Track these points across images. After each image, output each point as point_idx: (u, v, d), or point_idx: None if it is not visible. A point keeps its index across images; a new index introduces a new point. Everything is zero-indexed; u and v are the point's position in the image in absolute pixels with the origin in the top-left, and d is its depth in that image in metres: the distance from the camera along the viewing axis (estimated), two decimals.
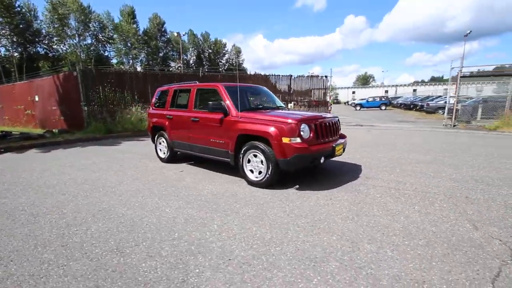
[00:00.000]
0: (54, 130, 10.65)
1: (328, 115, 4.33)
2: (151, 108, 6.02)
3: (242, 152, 3.94)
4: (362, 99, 34.87)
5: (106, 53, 46.81)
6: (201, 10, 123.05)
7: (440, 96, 25.75)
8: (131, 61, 48.51)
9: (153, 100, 5.92)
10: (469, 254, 2.12)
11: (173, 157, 5.46)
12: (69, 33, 38.36)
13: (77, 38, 40.31)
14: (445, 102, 21.42)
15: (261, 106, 4.68)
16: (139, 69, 44.36)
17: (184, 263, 2.08)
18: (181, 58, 45.77)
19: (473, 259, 2.06)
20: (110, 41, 44.60)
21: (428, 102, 22.55)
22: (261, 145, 3.69)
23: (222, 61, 67.26)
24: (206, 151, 4.55)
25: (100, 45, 45.23)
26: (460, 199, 3.25)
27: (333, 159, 4.52)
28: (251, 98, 4.94)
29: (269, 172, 3.65)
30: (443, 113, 20.95)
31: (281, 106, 4.96)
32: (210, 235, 2.52)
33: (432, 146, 6.88)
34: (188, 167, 5.14)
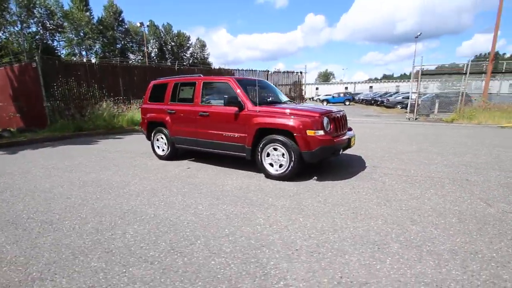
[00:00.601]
0: (11, 129, 9.35)
1: (335, 108, 4.51)
2: (144, 103, 5.64)
3: (260, 146, 3.93)
4: (328, 95, 36.61)
5: (55, 43, 42.02)
6: (161, 1, 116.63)
7: (397, 92, 28.20)
8: (84, 52, 44.26)
9: (147, 94, 5.55)
10: (497, 227, 2.44)
11: (174, 154, 5.22)
12: (9, 19, 33.51)
13: (19, 25, 35.41)
14: (403, 97, 23.53)
15: (270, 100, 4.69)
16: (93, 61, 40.70)
17: (254, 257, 2.06)
18: (146, 50, 43.07)
19: (503, 230, 2.38)
20: (59, 29, 40.03)
21: (388, 98, 24.56)
22: (283, 138, 3.73)
23: (186, 54, 64.90)
24: (217, 146, 4.44)
25: (47, 34, 40.36)
26: (462, 182, 3.68)
27: None
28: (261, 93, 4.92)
29: (292, 165, 3.72)
30: (401, 108, 23.10)
31: (288, 100, 5.03)
32: (262, 228, 2.51)
33: (410, 137, 7.57)
34: (193, 164, 4.96)
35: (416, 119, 14.05)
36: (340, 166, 4.59)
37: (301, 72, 16.26)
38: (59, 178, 4.26)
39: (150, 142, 5.56)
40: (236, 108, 4.12)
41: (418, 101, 15.20)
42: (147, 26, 38.66)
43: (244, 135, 4.08)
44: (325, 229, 2.48)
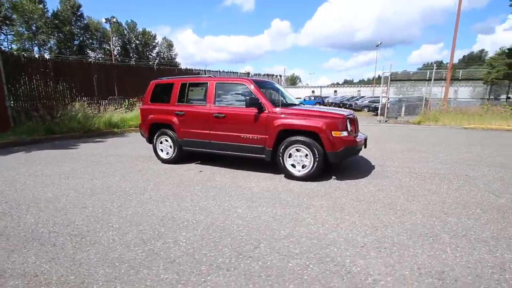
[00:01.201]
0: None
1: (348, 111, 4.71)
2: (144, 104, 5.31)
3: (282, 147, 3.96)
4: (298, 98, 37.83)
5: (1, 37, 37.35)
6: None
7: (363, 97, 30.17)
8: (37, 48, 40.03)
9: (148, 94, 5.23)
10: None
11: (180, 158, 4.99)
12: None
13: None
14: (369, 101, 25.22)
15: (284, 102, 4.73)
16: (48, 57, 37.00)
17: (327, 256, 2.08)
18: (112, 47, 40.24)
19: None
20: (7, 22, 35.67)
21: (355, 101, 26.19)
22: (307, 139, 3.80)
23: (152, 54, 62.23)
24: (234, 148, 4.35)
25: None
26: (465, 177, 4.09)
27: None
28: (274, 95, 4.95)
29: (316, 166, 3.80)
30: (368, 111, 24.77)
31: (301, 103, 5.11)
32: (316, 228, 2.54)
33: (393, 138, 8.18)
34: (202, 167, 4.79)
35: (386, 121, 15.16)
36: (348, 166, 4.80)
37: (280, 76, 16.63)
38: (57, 186, 3.82)
39: (151, 145, 5.25)
40: (256, 110, 4.10)
41: (387, 104, 16.46)
42: (110, 22, 36.15)
43: (264, 136, 4.07)
44: (376, 225, 2.58)
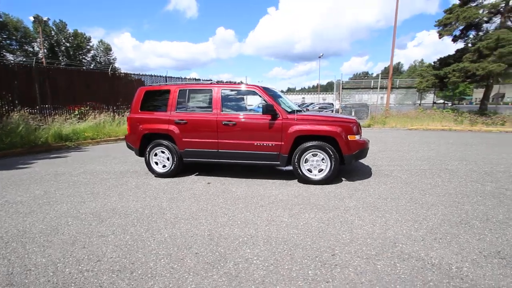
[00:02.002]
0: None
1: (351, 116, 5.01)
2: (132, 113, 4.74)
3: (298, 152, 4.00)
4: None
5: None
6: None
7: (312, 103, 32.29)
8: None
9: (137, 102, 4.70)
10: (507, 199, 3.34)
11: (179, 170, 4.59)
12: None
13: None
14: (319, 107, 27.18)
15: (292, 109, 4.76)
16: None
17: (403, 253, 2.17)
18: (42, 48, 34.59)
19: None
20: None
21: (307, 107, 27.95)
22: (325, 144, 3.92)
23: (86, 58, 55.96)
24: (246, 156, 4.21)
25: None
26: (446, 170, 4.74)
27: None
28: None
29: (333, 169, 3.94)
30: None
31: (302, 109, 5.21)
32: (371, 228, 2.62)
33: None
34: (205, 178, 4.49)
35: None
36: (347, 167, 5.10)
37: (241, 82, 16.68)
38: (43, 214, 3.13)
39: (143, 158, 4.71)
40: (270, 116, 4.06)
41: (340, 110, 18.02)
42: (39, 21, 31.40)
43: (279, 143, 4.05)
44: (416, 219, 2.80)
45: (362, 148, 4.02)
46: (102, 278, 1.95)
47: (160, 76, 13.53)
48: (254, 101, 4.70)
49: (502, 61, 11.07)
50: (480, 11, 12.63)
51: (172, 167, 4.53)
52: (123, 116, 11.67)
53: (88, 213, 3.15)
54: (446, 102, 19.02)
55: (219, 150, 4.29)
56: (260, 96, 4.22)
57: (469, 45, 14.15)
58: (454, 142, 8.07)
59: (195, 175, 4.71)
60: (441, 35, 14.02)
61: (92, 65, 54.40)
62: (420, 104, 18.21)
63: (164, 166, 4.60)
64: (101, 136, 9.77)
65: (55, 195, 3.82)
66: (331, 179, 4.01)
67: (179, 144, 4.42)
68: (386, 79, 19.91)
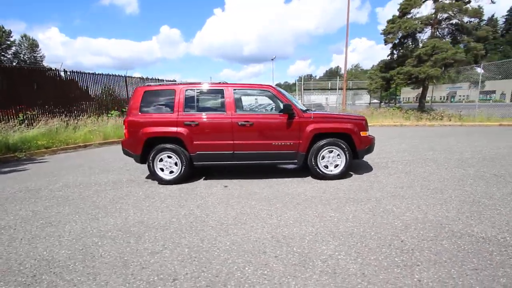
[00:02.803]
0: None
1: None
2: (130, 115, 4.26)
3: (316, 150, 4.12)
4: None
5: None
6: None
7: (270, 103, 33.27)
8: None
9: (136, 103, 4.23)
10: (491, 179, 4.00)
11: (188, 175, 4.31)
12: None
13: None
14: None
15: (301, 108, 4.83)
16: None
17: (467, 235, 2.44)
18: None
19: (495, 180, 3.93)
20: None
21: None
22: (340, 141, 4.12)
23: (7, 55, 47.68)
24: (263, 157, 4.17)
25: None
26: (428, 160, 5.42)
27: None
28: None
29: (347, 164, 4.18)
30: None
31: (309, 109, 5.32)
32: (419, 215, 2.87)
33: None
34: (218, 182, 4.30)
35: None
36: None
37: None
38: (54, 237, 2.63)
39: (146, 164, 4.28)
40: (287, 116, 4.10)
41: None
42: None
43: (297, 141, 4.12)
44: (442, 203, 3.16)
45: (371, 143, 4.35)
46: None
47: (119, 76, 12.34)
48: (265, 101, 4.68)
49: (438, 66, 13.14)
50: (416, 22, 14.72)
51: (181, 173, 4.21)
52: (78, 120, 10.33)
53: (113, 229, 2.75)
54: (379, 101, 21.57)
55: (235, 152, 4.16)
56: (275, 96, 4.24)
57: (399, 53, 16.43)
58: (413, 136, 9.24)
59: (203, 180, 4.47)
60: (386, 42, 15.91)
61: (14, 63, 46.47)
62: (370, 104, 20.34)
63: (171, 172, 4.25)
64: (57, 144, 8.46)
65: (50, 214, 3.23)
66: (345, 173, 4.24)
67: (190, 148, 4.14)
68: (333, 80, 21.73)
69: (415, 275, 1.87)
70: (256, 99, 4.45)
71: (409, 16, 16.02)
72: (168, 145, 4.16)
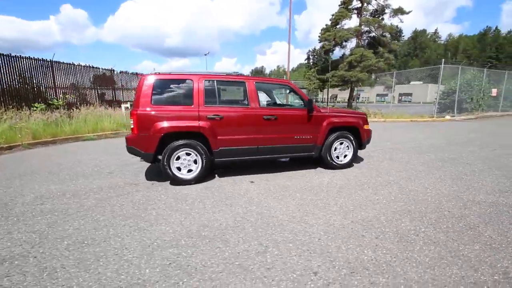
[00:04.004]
0: None
1: None
2: (139, 107, 3.63)
3: (329, 142, 4.46)
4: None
5: None
6: None
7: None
8: None
9: (146, 94, 3.63)
10: (453, 160, 5.16)
11: (208, 172, 4.01)
12: None
13: None
14: None
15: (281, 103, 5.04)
16: None
17: (484, 203, 3.14)
18: None
19: (460, 161, 5.11)
20: None
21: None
22: (349, 133, 4.57)
23: None
24: (285, 150, 4.24)
25: None
26: (413, 148, 6.48)
27: None
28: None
29: (354, 154, 4.67)
30: None
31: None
32: (438, 192, 3.50)
33: None
34: (239, 178, 4.15)
35: None
36: None
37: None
38: (108, 261, 2.15)
39: (159, 164, 3.76)
40: (307, 110, 4.28)
41: None
42: None
43: (316, 135, 4.36)
44: (458, 184, 3.92)
45: (370, 135, 4.97)
46: None
47: (43, 60, 9.98)
48: (280, 96, 4.71)
49: (366, 71, 15.62)
50: (347, 32, 17.07)
51: (202, 171, 3.89)
52: None
53: (182, 237, 2.41)
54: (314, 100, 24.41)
55: (259, 146, 4.10)
56: (294, 91, 4.35)
57: (315, 60, 18.83)
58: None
59: (218, 177, 4.23)
60: (323, 47, 17.88)
61: None
62: None
63: (190, 170, 3.87)
64: None
65: (75, 230, 2.55)
66: (351, 163, 4.74)
67: (213, 143, 3.86)
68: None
69: (468, 220, 2.38)
70: (279, 92, 4.46)
71: (338, 26, 18.36)
72: (189, 141, 3.77)
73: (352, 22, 17.37)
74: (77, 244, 2.31)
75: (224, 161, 4.04)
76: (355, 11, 17.47)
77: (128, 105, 12.33)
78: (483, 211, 2.87)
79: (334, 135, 4.49)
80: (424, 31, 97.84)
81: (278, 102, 5.42)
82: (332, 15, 17.72)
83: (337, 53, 19.58)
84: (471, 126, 11.45)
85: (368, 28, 17.54)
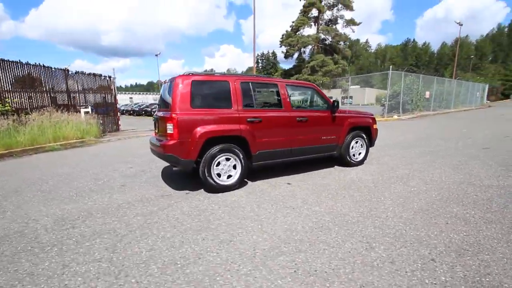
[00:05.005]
0: None
1: None
2: (179, 111, 3.32)
3: (348, 141, 4.75)
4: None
5: None
6: None
7: (145, 103, 30.27)
8: None
9: (184, 96, 3.34)
10: (434, 152, 5.99)
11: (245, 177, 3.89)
12: None
13: None
14: None
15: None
16: None
17: (497, 187, 3.75)
18: None
19: (443, 153, 5.94)
20: None
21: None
22: (363, 133, 4.94)
23: None
24: (313, 151, 4.36)
25: None
26: (383, 146, 7.20)
27: None
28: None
29: (366, 151, 5.07)
30: None
31: None
32: (460, 177, 4.04)
33: None
34: (272, 181, 4.13)
35: None
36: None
37: (109, 77, 13.16)
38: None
39: (196, 171, 3.50)
40: (330, 111, 4.49)
41: None
42: None
43: (338, 135, 4.59)
44: (462, 168, 4.55)
45: (377, 134, 5.44)
46: None
47: None
48: (299, 97, 4.82)
49: (327, 76, 16.86)
50: (309, 39, 18.19)
51: (241, 176, 3.76)
52: None
53: (280, 242, 2.33)
54: None
55: (293, 148, 4.14)
56: (317, 93, 4.52)
57: (264, 64, 19.86)
58: None
59: (251, 182, 4.13)
60: (288, 52, 18.68)
61: None
62: None
63: (229, 176, 3.70)
64: None
65: (150, 252, 2.25)
66: (364, 161, 5.13)
67: (253, 147, 3.76)
68: None
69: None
70: (304, 95, 4.56)
71: (297, 33, 19.44)
72: (229, 146, 3.61)
73: (311, 30, 18.64)
74: (171, 267, 2.04)
75: (261, 164, 3.97)
76: (313, 20, 18.76)
77: (88, 109, 10.94)
78: (499, 192, 3.45)
79: (351, 134, 4.80)
80: (358, 40, 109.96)
81: (322, 103, 5.50)
82: (293, 22, 18.73)
83: (287, 61, 20.73)
84: (419, 123, 13.33)
85: (325, 36, 18.99)
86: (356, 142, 4.94)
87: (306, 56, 19.83)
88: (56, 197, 3.65)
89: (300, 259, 2.09)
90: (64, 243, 2.44)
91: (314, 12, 18.23)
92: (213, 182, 3.55)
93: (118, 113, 13.80)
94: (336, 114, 4.59)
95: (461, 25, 28.77)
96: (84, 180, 4.45)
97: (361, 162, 5.03)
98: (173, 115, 3.33)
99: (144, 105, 31.03)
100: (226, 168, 3.66)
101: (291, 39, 18.43)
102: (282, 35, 19.99)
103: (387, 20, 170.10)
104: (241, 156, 3.70)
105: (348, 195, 3.48)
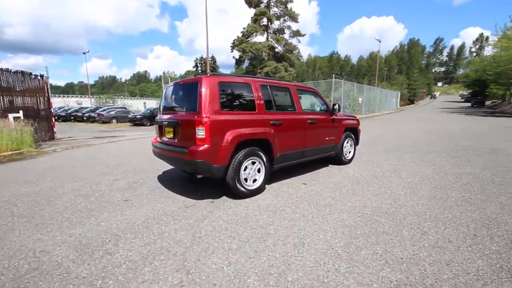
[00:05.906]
0: None
1: None
2: (208, 113, 3.08)
3: (342, 141, 5.17)
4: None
5: None
6: None
7: (108, 108, 26.75)
8: None
9: (212, 98, 3.12)
10: (429, 145, 6.98)
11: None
12: None
13: None
14: (115, 112, 24.17)
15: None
16: None
17: (494, 176, 4.60)
18: None
19: (435, 147, 6.95)
20: None
21: (101, 113, 23.35)
22: (352, 133, 5.44)
23: None
24: (319, 151, 4.59)
25: None
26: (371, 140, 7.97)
27: None
28: None
29: (354, 150, 5.59)
30: (116, 122, 23.43)
31: None
32: (460, 170, 4.80)
33: None
34: (283, 183, 4.20)
35: None
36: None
37: (42, 76, 10.88)
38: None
39: (221, 177, 3.33)
40: (330, 114, 4.82)
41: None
42: None
43: (337, 136, 4.95)
44: (448, 161, 5.38)
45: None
46: None
47: None
48: (304, 101, 4.98)
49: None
50: (261, 46, 18.83)
51: (265, 179, 3.72)
52: None
53: (358, 236, 2.44)
54: None
55: (304, 149, 4.29)
56: (319, 97, 4.79)
57: (203, 68, 20.34)
58: None
59: (266, 185, 4.13)
60: (242, 57, 18.90)
61: None
62: None
63: (254, 180, 3.62)
64: None
65: (229, 266, 2.07)
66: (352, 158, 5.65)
67: (275, 149, 3.77)
68: None
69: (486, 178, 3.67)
70: (309, 98, 4.73)
71: (248, 39, 19.95)
72: (254, 149, 3.54)
73: (262, 37, 19.37)
74: (268, 277, 1.94)
75: (280, 167, 4.00)
76: (263, 28, 19.55)
77: (20, 114, 8.97)
78: (469, 178, 4.29)
79: (344, 135, 5.25)
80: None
81: (322, 106, 5.65)
82: (244, 28, 19.11)
83: (229, 67, 21.17)
84: (363, 125, 15.18)
85: (274, 44, 19.98)
86: (347, 142, 5.42)
87: (258, 62, 20.46)
88: (45, 221, 2.95)
89: (380, 251, 2.24)
90: (114, 272, 2.03)
91: (264, 21, 19.08)
92: (243, 188, 3.43)
93: (53, 119, 11.68)
94: (335, 117, 4.96)
95: (380, 41, 34.06)
96: (68, 198, 3.70)
97: (351, 160, 5.52)
98: (204, 118, 3.09)
99: (73, 109, 26.93)
100: (252, 172, 3.58)
101: (244, 45, 18.79)
102: (234, 40, 20.22)
103: (314, 33, 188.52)
104: (265, 159, 3.67)
105: (365, 190, 3.81)
